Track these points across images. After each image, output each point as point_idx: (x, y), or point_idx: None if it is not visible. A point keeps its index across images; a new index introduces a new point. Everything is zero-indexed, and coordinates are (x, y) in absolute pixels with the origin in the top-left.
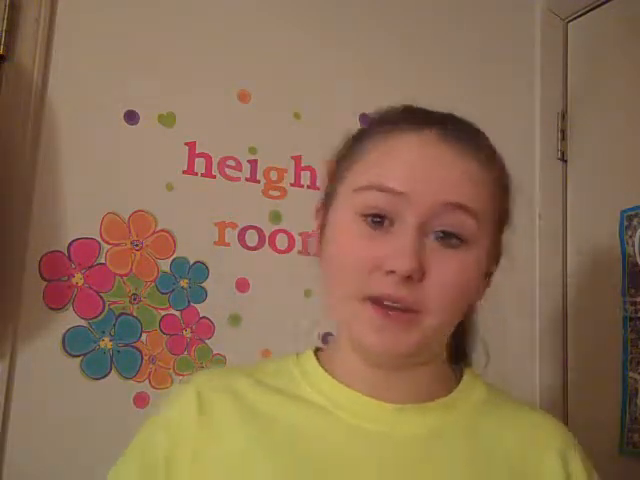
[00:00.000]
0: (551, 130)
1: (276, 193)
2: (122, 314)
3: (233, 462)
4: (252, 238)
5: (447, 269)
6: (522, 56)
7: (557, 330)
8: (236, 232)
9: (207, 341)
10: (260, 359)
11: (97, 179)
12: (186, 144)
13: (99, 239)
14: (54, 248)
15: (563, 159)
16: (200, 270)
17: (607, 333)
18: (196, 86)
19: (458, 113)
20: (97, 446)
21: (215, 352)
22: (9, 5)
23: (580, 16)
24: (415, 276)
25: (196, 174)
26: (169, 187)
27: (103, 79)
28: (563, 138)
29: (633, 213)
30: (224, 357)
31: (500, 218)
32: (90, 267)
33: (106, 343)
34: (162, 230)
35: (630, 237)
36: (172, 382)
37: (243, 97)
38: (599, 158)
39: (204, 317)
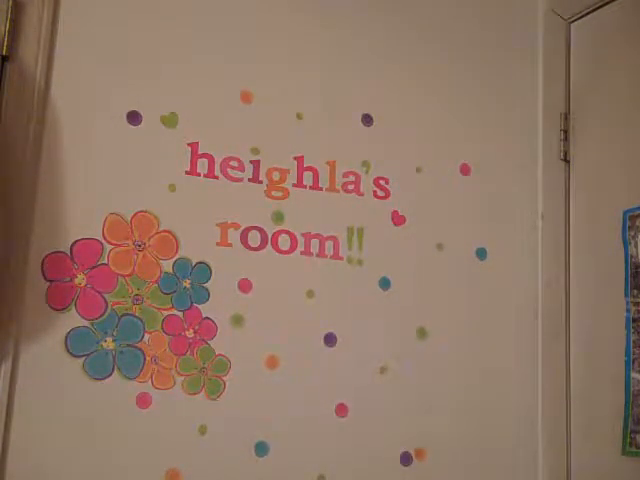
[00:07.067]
0: (553, 130)
1: (278, 194)
2: (125, 314)
3: None
4: (254, 239)
5: None
6: (524, 57)
7: (560, 330)
8: (238, 233)
9: (210, 342)
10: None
11: (100, 180)
12: (189, 145)
13: (102, 240)
14: (57, 249)
15: (565, 159)
16: (203, 271)
17: (610, 334)
18: (198, 87)
19: (460, 113)
20: (99, 446)
21: (218, 353)
22: (12, 6)
23: (583, 16)
24: None
25: (199, 175)
26: (172, 188)
27: (106, 80)
28: (565, 138)
29: (636, 213)
30: (227, 358)
31: None
32: (93, 267)
33: (109, 343)
34: (165, 231)
35: (633, 237)
36: (174, 383)
37: (245, 97)
38: (601, 158)
39: (207, 318)
